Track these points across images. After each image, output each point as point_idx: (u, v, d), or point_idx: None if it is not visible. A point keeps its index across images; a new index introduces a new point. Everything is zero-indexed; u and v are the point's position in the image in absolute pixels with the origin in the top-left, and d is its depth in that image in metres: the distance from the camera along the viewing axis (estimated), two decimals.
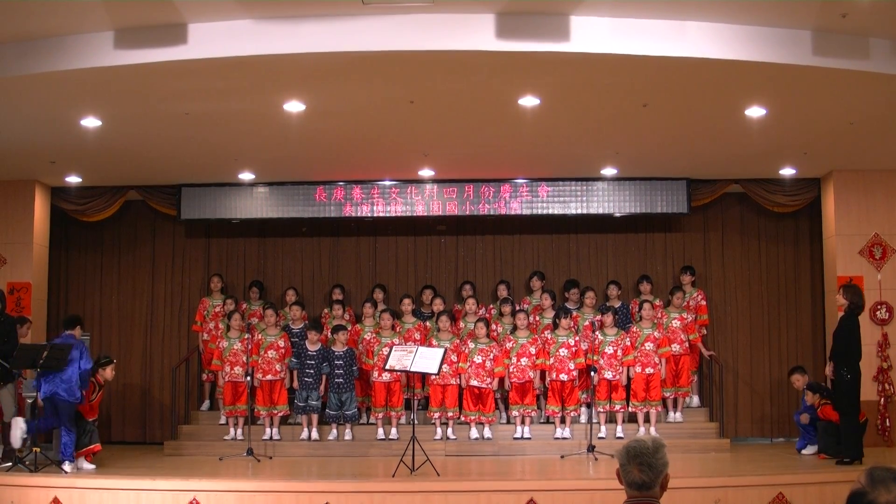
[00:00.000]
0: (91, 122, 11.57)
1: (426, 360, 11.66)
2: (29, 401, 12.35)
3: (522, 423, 13.69)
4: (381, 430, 13.75)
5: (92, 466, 11.77)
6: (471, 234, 16.21)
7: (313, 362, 13.73)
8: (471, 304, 14.47)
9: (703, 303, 15.01)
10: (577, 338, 13.76)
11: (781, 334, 15.74)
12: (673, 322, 14.31)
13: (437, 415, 13.71)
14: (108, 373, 12.46)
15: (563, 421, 13.74)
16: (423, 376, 13.37)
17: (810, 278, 15.74)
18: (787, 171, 14.68)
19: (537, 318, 14.56)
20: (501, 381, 13.78)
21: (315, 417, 13.79)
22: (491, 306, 15.12)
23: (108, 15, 9.26)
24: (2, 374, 11.97)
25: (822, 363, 14.15)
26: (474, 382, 13.54)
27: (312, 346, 13.84)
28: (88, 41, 9.63)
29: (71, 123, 11.64)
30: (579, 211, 15.09)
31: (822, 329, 15.23)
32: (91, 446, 11.91)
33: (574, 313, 14.29)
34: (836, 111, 11.40)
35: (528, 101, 10.92)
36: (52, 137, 12.42)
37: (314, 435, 13.75)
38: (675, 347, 14.13)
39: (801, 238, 15.85)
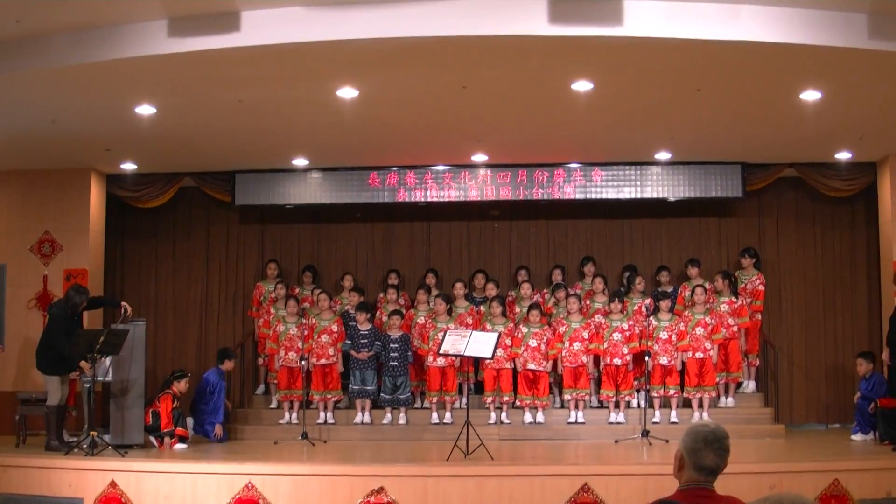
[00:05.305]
0: (146, 110, 11.67)
1: (480, 344, 11.71)
2: (87, 385, 12.46)
3: (576, 407, 13.67)
4: (435, 415, 13.80)
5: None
6: (524, 219, 16.16)
7: (366, 341, 13.82)
8: (525, 289, 14.50)
9: (761, 288, 14.72)
10: (630, 322, 13.73)
11: (837, 320, 15.57)
12: (721, 306, 14.14)
13: (491, 399, 13.73)
14: (182, 385, 13.11)
15: (616, 405, 13.71)
16: (477, 361, 13.40)
17: (866, 263, 15.54)
18: (843, 156, 14.50)
19: (588, 303, 14.51)
20: (555, 364, 13.79)
21: (368, 402, 13.88)
22: (545, 291, 15.08)
23: (162, 3, 9.34)
24: (55, 366, 12.18)
25: (879, 349, 14.00)
26: (531, 366, 13.54)
27: (363, 327, 13.93)
28: (142, 30, 9.72)
29: (126, 111, 11.73)
30: (633, 195, 14.97)
31: (879, 314, 15.05)
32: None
33: (624, 298, 14.28)
34: (892, 95, 11.21)
35: (581, 86, 10.87)
36: (107, 125, 12.54)
37: (367, 419, 13.83)
38: (722, 332, 13.94)
39: (857, 223, 15.65)
